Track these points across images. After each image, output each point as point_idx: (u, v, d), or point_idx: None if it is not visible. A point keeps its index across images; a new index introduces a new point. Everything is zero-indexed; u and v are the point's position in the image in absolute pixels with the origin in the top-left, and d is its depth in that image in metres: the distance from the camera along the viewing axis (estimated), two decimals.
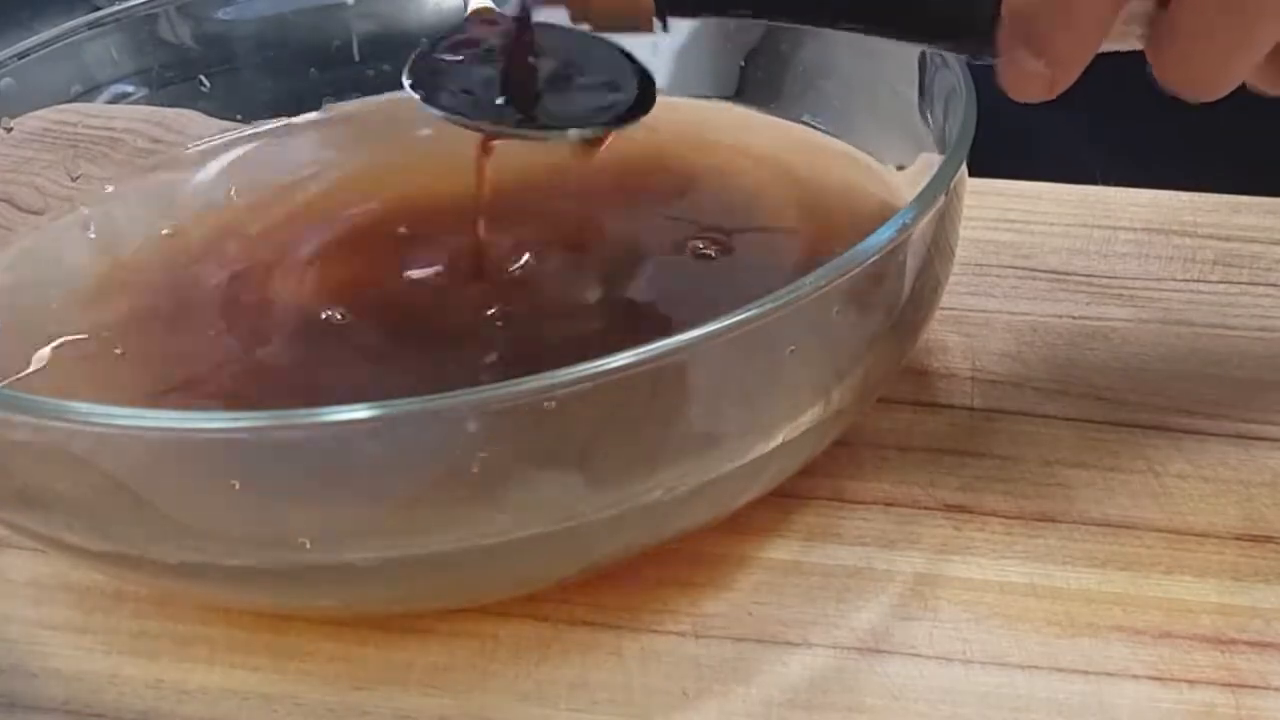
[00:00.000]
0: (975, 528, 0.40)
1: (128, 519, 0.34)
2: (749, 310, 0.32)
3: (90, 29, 0.48)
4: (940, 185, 0.37)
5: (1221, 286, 0.48)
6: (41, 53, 0.47)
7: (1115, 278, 0.49)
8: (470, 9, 0.44)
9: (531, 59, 0.41)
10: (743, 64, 0.52)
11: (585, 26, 0.38)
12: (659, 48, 0.44)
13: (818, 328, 0.35)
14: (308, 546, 0.33)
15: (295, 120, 0.52)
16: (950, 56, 0.41)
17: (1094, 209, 0.52)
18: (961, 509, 0.40)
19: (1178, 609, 0.37)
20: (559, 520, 0.34)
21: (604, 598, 0.38)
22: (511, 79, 0.42)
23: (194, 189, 0.49)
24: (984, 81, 0.39)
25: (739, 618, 0.38)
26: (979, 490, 0.41)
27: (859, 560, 0.39)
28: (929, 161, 0.43)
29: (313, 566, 0.34)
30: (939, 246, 0.38)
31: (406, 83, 0.41)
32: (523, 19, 0.41)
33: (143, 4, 0.50)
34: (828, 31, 0.42)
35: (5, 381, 0.40)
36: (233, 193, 0.49)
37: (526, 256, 0.44)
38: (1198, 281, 0.48)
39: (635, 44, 0.42)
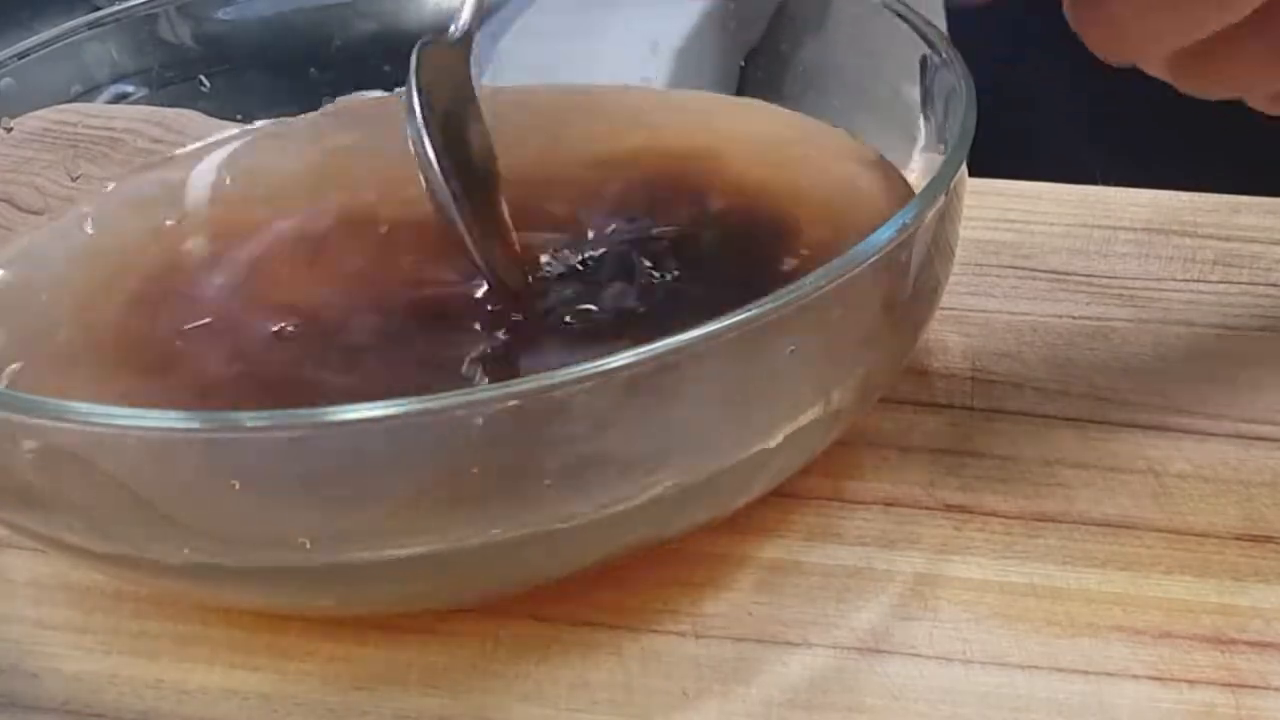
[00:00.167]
0: (975, 528, 0.40)
1: (128, 519, 0.34)
2: (749, 310, 0.32)
3: (90, 29, 0.48)
4: (940, 185, 0.37)
5: (1221, 286, 0.48)
6: (41, 53, 0.47)
7: (1115, 278, 0.48)
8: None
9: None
10: (743, 64, 0.51)
11: None
12: (659, 48, 0.44)
13: (818, 328, 0.35)
14: (308, 546, 0.33)
15: (295, 120, 0.52)
16: (950, 56, 0.41)
17: (1094, 209, 0.52)
18: (961, 509, 0.40)
19: (1178, 609, 0.37)
20: (558, 520, 0.34)
21: (604, 598, 0.38)
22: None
23: (194, 189, 0.49)
24: (984, 81, 0.39)
25: (739, 618, 0.38)
26: (979, 490, 0.41)
27: (859, 560, 0.39)
28: (929, 161, 0.43)
29: (313, 566, 0.34)
30: (939, 246, 0.38)
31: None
32: None
33: (143, 4, 0.50)
34: (828, 31, 0.42)
35: (5, 382, 0.40)
36: (233, 193, 0.49)
37: (546, 257, 0.44)
38: (1198, 281, 0.48)
39: (634, 43, 0.42)
